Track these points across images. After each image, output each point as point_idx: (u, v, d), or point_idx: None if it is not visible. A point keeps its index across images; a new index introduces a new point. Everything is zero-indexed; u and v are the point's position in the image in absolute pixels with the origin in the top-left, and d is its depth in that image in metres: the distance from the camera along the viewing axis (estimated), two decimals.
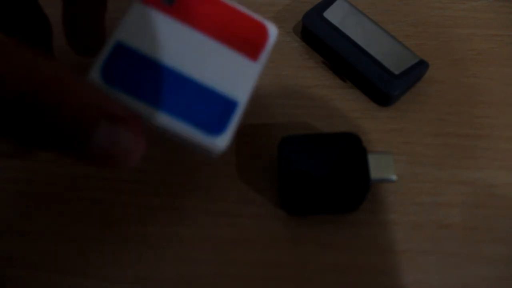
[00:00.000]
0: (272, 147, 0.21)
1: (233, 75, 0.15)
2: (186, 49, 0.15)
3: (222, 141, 0.14)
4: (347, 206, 0.21)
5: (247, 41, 0.15)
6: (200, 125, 0.14)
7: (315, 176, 0.20)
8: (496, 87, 0.25)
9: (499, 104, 0.24)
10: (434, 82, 0.25)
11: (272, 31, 0.16)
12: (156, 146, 0.23)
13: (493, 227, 0.21)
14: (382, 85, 0.23)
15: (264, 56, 0.15)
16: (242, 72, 0.15)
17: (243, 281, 0.21)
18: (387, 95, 0.24)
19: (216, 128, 0.14)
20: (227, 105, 0.14)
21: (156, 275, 0.21)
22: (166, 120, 0.14)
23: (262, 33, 0.16)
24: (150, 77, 0.14)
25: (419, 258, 0.21)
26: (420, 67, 0.24)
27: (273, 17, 0.27)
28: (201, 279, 0.21)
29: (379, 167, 0.20)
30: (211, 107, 0.14)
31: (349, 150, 0.20)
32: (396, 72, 0.24)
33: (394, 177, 0.20)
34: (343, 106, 0.24)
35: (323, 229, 0.21)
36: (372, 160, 0.20)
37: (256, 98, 0.25)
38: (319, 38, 0.25)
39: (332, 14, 0.25)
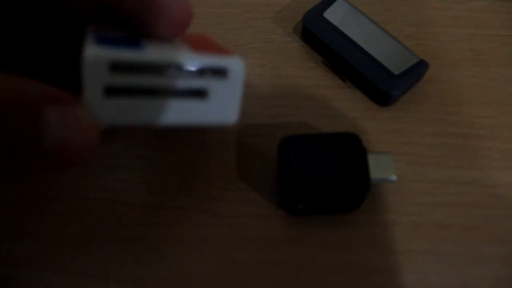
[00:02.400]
0: (272, 147, 0.21)
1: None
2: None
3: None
4: (347, 206, 0.21)
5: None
6: None
7: (315, 176, 0.20)
8: (496, 87, 0.25)
9: (499, 104, 0.24)
10: (434, 82, 0.25)
11: (238, 63, 0.16)
12: (156, 146, 0.23)
13: (493, 227, 0.21)
14: (382, 85, 0.23)
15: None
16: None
17: (243, 281, 0.21)
18: (387, 95, 0.24)
19: None
20: None
21: (156, 275, 0.21)
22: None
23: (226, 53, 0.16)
24: None
25: (419, 258, 0.21)
26: (420, 67, 0.24)
27: (273, 17, 0.27)
28: (201, 279, 0.21)
29: (379, 167, 0.20)
30: None
31: (349, 150, 0.20)
32: (396, 72, 0.24)
33: (394, 177, 0.20)
34: (343, 106, 0.24)
35: (323, 229, 0.21)
36: (372, 160, 0.20)
37: (256, 98, 0.25)
38: (319, 38, 0.25)
39: (332, 14, 0.25)
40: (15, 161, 0.12)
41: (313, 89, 0.25)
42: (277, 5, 0.28)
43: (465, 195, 0.22)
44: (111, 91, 0.14)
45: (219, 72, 0.15)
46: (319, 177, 0.20)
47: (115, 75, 0.14)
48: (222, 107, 0.16)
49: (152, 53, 0.14)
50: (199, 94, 0.15)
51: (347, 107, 0.24)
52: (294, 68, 0.26)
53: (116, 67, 0.14)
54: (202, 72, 0.15)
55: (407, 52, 0.24)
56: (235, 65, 0.15)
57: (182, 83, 0.15)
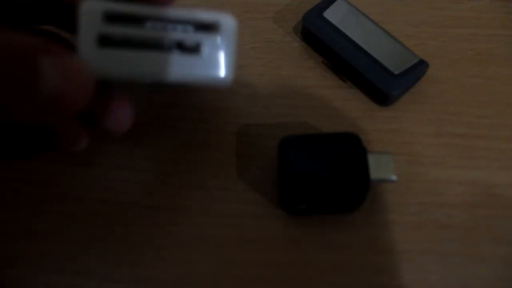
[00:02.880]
0: (272, 147, 0.21)
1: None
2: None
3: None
4: (347, 206, 0.21)
5: None
6: None
7: (315, 176, 0.20)
8: (496, 87, 0.25)
9: (499, 104, 0.24)
10: (434, 82, 0.25)
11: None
12: (156, 146, 0.23)
13: (493, 227, 0.21)
14: (382, 85, 0.23)
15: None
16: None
17: (243, 281, 0.21)
18: (387, 95, 0.24)
19: None
20: None
21: (156, 275, 0.21)
22: None
23: None
24: None
25: (419, 258, 0.21)
26: (420, 67, 0.24)
27: (273, 17, 0.27)
28: (201, 279, 0.21)
29: (379, 167, 0.20)
30: None
31: (349, 150, 0.20)
32: (396, 72, 0.24)
33: (394, 177, 0.20)
34: (343, 106, 0.24)
35: (323, 229, 0.21)
36: (372, 160, 0.20)
37: (256, 98, 0.25)
38: (319, 38, 0.25)
39: (332, 14, 0.25)
40: (15, 110, 0.12)
41: (313, 89, 0.25)
42: (277, 5, 0.28)
43: (465, 195, 0.22)
44: (105, 41, 0.14)
45: (211, 27, 0.16)
46: (319, 177, 0.20)
47: (110, 25, 0.14)
48: (215, 62, 0.16)
49: (146, 7, 0.15)
50: (192, 49, 0.15)
51: (347, 107, 0.24)
52: (294, 68, 0.26)
53: (111, 17, 0.14)
54: (194, 26, 0.15)
55: (407, 52, 0.24)
56: (226, 20, 0.16)
57: (175, 36, 0.15)
